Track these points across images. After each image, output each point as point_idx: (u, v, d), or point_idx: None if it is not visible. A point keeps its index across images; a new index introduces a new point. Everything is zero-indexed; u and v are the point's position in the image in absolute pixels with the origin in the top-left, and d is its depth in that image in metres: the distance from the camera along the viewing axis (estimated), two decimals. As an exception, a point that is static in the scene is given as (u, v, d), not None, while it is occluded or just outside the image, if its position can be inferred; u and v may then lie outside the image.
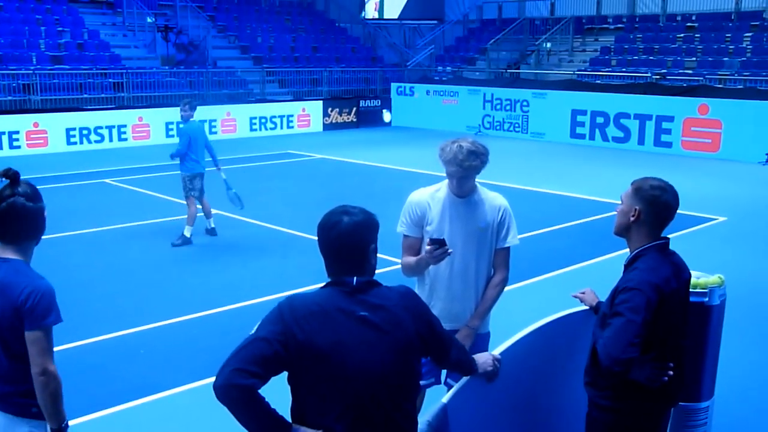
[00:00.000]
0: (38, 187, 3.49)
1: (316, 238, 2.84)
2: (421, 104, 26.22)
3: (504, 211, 4.42)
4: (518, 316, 7.43)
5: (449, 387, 4.46)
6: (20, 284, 3.18)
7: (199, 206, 10.77)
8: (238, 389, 2.55)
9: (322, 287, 2.80)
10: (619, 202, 3.56)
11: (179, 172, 10.75)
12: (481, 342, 4.42)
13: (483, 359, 3.38)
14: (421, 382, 4.53)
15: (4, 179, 3.29)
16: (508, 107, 23.89)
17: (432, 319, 2.94)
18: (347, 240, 2.76)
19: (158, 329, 7.37)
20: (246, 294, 8.28)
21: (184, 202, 10.72)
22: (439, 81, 27.19)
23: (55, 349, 3.65)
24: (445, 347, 3.02)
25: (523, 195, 14.38)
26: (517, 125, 23.68)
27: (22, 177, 3.34)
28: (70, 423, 3.39)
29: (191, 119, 10.68)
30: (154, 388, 6.02)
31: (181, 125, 11.01)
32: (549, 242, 10.82)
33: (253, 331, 2.68)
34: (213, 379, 2.66)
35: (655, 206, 3.39)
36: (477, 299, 4.39)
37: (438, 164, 4.55)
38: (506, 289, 8.72)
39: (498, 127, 24.11)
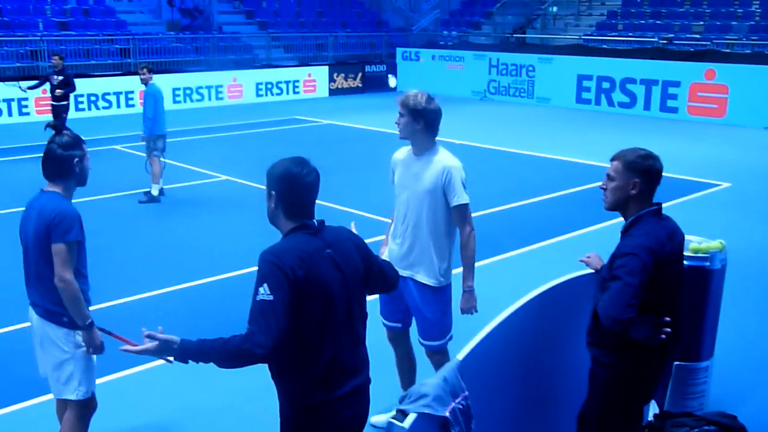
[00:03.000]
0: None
1: (272, 183, 3.10)
2: (426, 69, 26.18)
3: (447, 172, 4.55)
4: (523, 280, 7.61)
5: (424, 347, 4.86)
6: (53, 208, 3.88)
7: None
8: (255, 358, 2.90)
9: (291, 234, 3.10)
10: (605, 179, 3.68)
11: (140, 132, 11.27)
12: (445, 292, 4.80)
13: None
14: (387, 324, 4.97)
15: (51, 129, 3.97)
16: (513, 72, 23.86)
17: (368, 249, 3.32)
18: (315, 186, 3.14)
19: (176, 292, 7.57)
20: (248, 261, 8.45)
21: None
22: (445, 46, 27.13)
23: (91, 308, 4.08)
24: (374, 263, 3.35)
25: (528, 160, 14.49)
26: (522, 90, 23.68)
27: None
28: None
29: (150, 82, 11.22)
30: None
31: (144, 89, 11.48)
32: (553, 208, 10.96)
33: (266, 293, 2.90)
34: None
35: (651, 175, 3.56)
36: (436, 253, 4.66)
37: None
38: (512, 253, 8.91)
39: (504, 92, 24.11)
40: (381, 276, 3.39)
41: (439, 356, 4.79)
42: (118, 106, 20.71)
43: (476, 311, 4.79)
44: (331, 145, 16.16)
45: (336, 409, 3.07)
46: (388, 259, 4.48)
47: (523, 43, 25.98)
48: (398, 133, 4.62)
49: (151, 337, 3.05)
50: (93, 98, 20.27)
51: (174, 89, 21.30)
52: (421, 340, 4.83)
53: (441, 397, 3.22)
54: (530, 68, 23.38)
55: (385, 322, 4.97)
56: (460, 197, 4.57)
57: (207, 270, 8.16)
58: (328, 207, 10.73)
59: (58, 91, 14.39)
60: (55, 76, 14.67)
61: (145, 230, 9.77)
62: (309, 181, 3.11)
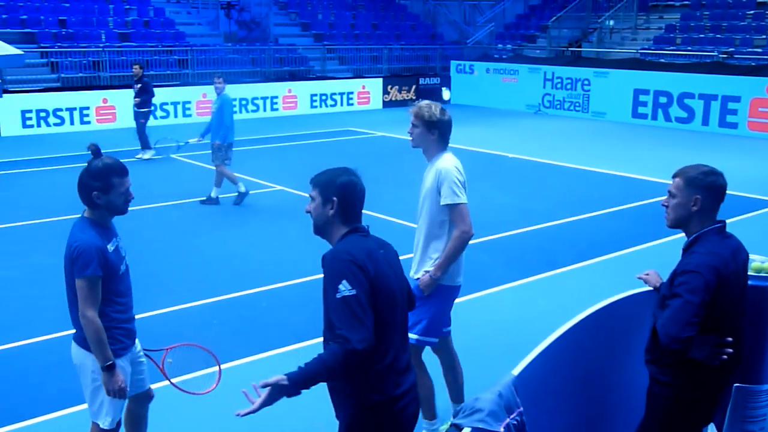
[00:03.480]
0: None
1: (329, 191, 3.24)
2: (480, 82, 26.12)
3: (438, 173, 4.72)
4: (577, 295, 7.53)
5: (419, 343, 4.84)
6: (75, 239, 3.78)
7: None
8: (360, 355, 2.96)
9: (348, 236, 3.24)
10: (667, 196, 3.62)
11: (209, 141, 11.57)
12: (452, 293, 4.91)
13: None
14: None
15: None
16: (568, 86, 23.66)
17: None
18: (363, 193, 3.31)
19: (229, 301, 7.66)
20: (311, 269, 8.50)
21: (243, 176, 11.28)
22: (499, 59, 27.03)
23: (137, 316, 4.11)
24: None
25: (582, 175, 14.32)
26: (577, 104, 23.45)
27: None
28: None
29: (223, 92, 11.73)
30: (229, 356, 6.27)
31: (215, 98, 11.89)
32: (609, 223, 10.81)
33: (348, 288, 3.01)
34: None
35: (714, 191, 3.48)
36: (421, 255, 4.84)
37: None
38: (567, 269, 8.81)
39: (558, 107, 23.91)
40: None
41: (414, 352, 4.79)
42: (176, 115, 21.10)
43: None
44: (385, 157, 16.21)
45: (399, 407, 3.18)
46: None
47: (579, 57, 25.74)
48: (411, 142, 4.86)
49: (263, 386, 3.03)
50: (151, 108, 20.65)
51: (230, 100, 21.58)
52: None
53: (496, 412, 3.19)
54: (585, 82, 23.15)
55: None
56: (448, 197, 4.69)
57: (259, 279, 8.24)
58: (379, 218, 10.76)
59: (137, 99, 15.44)
60: (136, 85, 15.58)
61: (199, 239, 9.91)
62: (362, 188, 3.32)
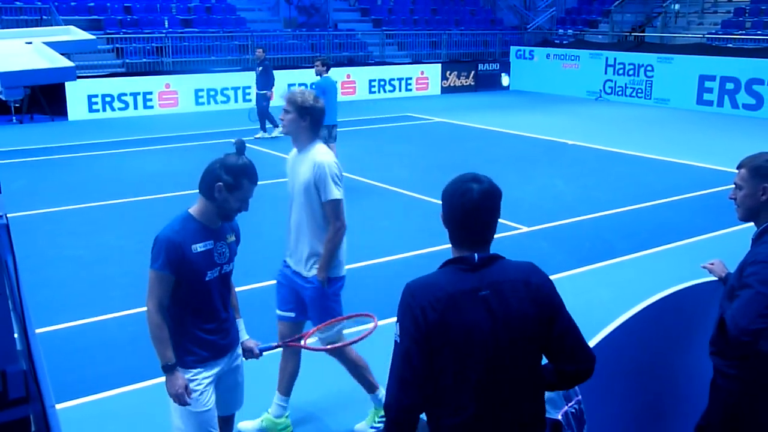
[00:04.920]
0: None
1: (441, 204, 2.74)
2: (540, 68, 25.79)
3: (317, 167, 4.59)
4: (638, 285, 7.41)
5: None
6: (162, 229, 3.58)
7: None
8: (406, 413, 2.60)
9: (443, 266, 2.69)
10: (733, 189, 3.51)
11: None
12: (338, 284, 4.80)
13: None
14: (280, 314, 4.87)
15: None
16: (631, 72, 23.18)
17: (556, 301, 2.70)
18: (476, 209, 2.63)
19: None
20: (367, 254, 8.55)
21: None
22: (560, 44, 26.64)
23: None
24: (559, 325, 2.70)
25: (644, 163, 14.04)
26: (640, 91, 22.97)
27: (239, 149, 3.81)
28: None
29: (324, 75, 12.08)
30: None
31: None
32: (672, 212, 10.59)
33: (396, 333, 2.62)
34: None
35: None
36: (309, 251, 4.69)
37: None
38: (627, 257, 8.68)
39: (620, 93, 23.46)
40: (564, 347, 2.72)
41: (342, 352, 4.77)
42: (236, 100, 21.36)
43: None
44: (443, 143, 16.15)
45: None
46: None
47: (642, 42, 25.17)
48: (282, 128, 4.75)
49: None
50: (212, 93, 20.99)
51: (289, 85, 21.76)
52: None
53: (554, 399, 3.16)
54: (648, 68, 22.65)
55: (279, 312, 4.94)
56: (330, 193, 4.60)
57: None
58: (437, 204, 10.74)
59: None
60: (258, 68, 16.38)
61: (265, 223, 10.00)
62: (471, 206, 2.62)
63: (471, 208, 2.62)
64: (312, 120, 4.63)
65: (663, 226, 9.81)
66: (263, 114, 16.52)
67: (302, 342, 4.24)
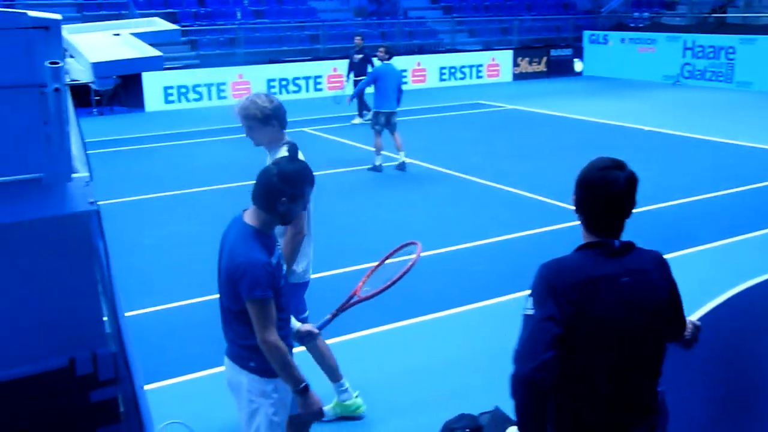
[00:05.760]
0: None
1: (577, 189, 2.70)
2: (614, 53, 25.22)
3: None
4: (720, 274, 7.19)
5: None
6: (240, 254, 3.34)
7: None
8: (536, 383, 2.55)
9: (581, 249, 2.71)
10: None
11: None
12: (302, 288, 4.70)
13: (687, 325, 3.16)
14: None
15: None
16: (711, 55, 22.46)
17: (677, 290, 2.87)
18: (624, 197, 2.65)
19: (358, 272, 7.78)
20: (439, 241, 8.53)
21: (371, 149, 12.08)
22: (635, 28, 26.00)
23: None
24: (680, 321, 2.95)
25: (725, 149, 13.61)
26: (720, 74, 22.23)
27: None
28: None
29: (384, 62, 12.29)
30: (369, 323, 6.42)
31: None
32: (755, 200, 10.23)
33: (529, 307, 2.62)
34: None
35: None
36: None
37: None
38: (709, 246, 8.44)
39: (699, 77, 22.77)
40: (680, 323, 2.96)
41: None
42: (307, 90, 21.55)
43: None
44: (515, 130, 15.97)
45: None
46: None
47: (723, 24, 24.36)
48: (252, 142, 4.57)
49: None
50: (284, 83, 21.22)
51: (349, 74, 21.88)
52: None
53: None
54: (730, 50, 21.89)
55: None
56: None
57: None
58: (509, 192, 10.64)
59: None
60: (356, 56, 16.78)
61: (331, 209, 10.09)
62: (614, 190, 2.63)
63: (617, 196, 2.64)
64: (278, 121, 4.51)
65: (746, 214, 9.50)
66: (360, 100, 16.86)
67: (355, 299, 4.05)
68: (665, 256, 2.79)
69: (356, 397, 5.03)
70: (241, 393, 3.57)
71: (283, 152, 4.43)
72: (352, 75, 17.13)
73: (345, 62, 19.11)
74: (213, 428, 4.81)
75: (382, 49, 12.54)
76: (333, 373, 4.94)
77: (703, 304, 3.56)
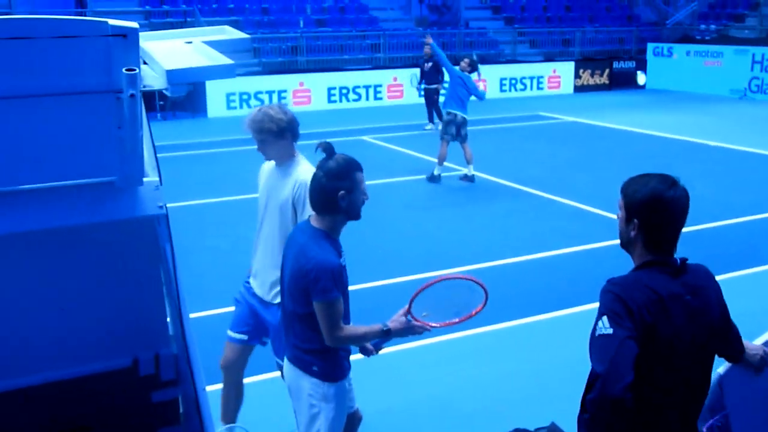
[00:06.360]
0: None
1: (632, 206, 2.66)
2: (679, 66, 24.74)
3: (299, 186, 4.20)
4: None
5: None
6: (311, 258, 3.33)
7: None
8: (625, 403, 2.48)
9: (643, 268, 2.68)
10: None
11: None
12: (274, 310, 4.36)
13: (753, 351, 3.12)
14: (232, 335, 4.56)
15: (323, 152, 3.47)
16: (780, 69, 21.90)
17: (725, 303, 2.85)
18: (682, 215, 2.66)
19: (415, 282, 7.78)
20: (498, 253, 8.47)
21: (435, 160, 11.89)
22: (702, 40, 25.45)
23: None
24: (729, 333, 2.91)
25: (795, 166, 13.23)
26: (790, 89, 21.65)
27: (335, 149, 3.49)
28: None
29: (465, 72, 12.11)
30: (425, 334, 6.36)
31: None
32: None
33: (605, 327, 2.54)
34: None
35: None
36: (276, 277, 4.13)
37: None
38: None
39: (767, 91, 22.17)
40: (736, 340, 2.96)
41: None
42: (367, 98, 21.66)
43: None
44: (575, 142, 15.78)
45: None
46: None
47: (794, 37, 23.70)
48: (264, 157, 4.38)
49: None
50: (344, 91, 21.37)
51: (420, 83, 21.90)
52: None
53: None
54: (800, 65, 21.30)
55: (230, 333, 4.62)
56: (307, 214, 4.02)
57: (447, 261, 8.28)
58: (568, 204, 10.51)
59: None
60: (426, 64, 16.95)
61: (390, 217, 10.11)
62: (680, 208, 2.63)
63: (682, 215, 2.66)
64: (292, 134, 4.32)
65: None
66: (432, 106, 17.02)
67: (421, 322, 3.58)
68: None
69: None
70: (301, 397, 3.56)
71: (304, 163, 4.34)
72: (423, 84, 17.28)
73: (405, 71, 19.22)
74: (268, 432, 4.85)
75: (466, 61, 12.33)
76: (229, 415, 4.72)
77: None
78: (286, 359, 3.66)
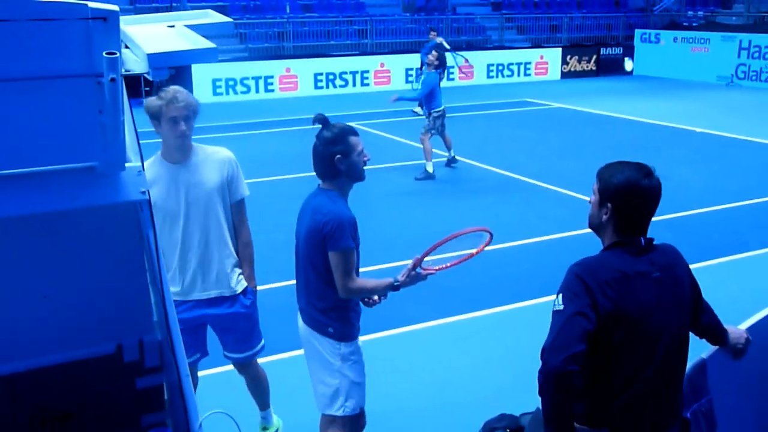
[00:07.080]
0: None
1: (607, 192, 2.75)
2: (666, 52, 24.80)
3: (230, 164, 4.14)
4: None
5: (231, 360, 4.36)
6: (327, 212, 3.54)
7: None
8: (568, 375, 2.54)
9: (608, 249, 2.77)
10: None
11: (423, 110, 11.95)
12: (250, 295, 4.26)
13: (737, 334, 3.20)
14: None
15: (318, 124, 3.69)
16: (767, 55, 21.95)
17: (695, 279, 2.94)
18: (653, 202, 2.76)
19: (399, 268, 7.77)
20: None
21: (417, 145, 11.80)
22: (689, 27, 25.52)
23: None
24: (700, 308, 3.00)
25: (780, 152, 13.30)
26: (776, 76, 21.75)
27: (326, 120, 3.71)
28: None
29: (432, 65, 12.05)
30: (409, 320, 6.41)
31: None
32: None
33: (558, 304, 2.65)
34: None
35: None
36: (230, 265, 4.14)
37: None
38: (760, 252, 8.26)
39: (754, 78, 22.28)
40: (711, 322, 3.06)
41: (255, 367, 4.47)
42: (354, 84, 21.60)
43: None
44: (562, 129, 15.81)
45: None
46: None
47: (780, 24, 23.79)
48: (178, 140, 3.94)
49: None
50: (331, 77, 21.30)
51: (407, 69, 21.84)
52: (238, 354, 4.36)
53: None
54: (786, 51, 21.40)
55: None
56: (244, 188, 4.19)
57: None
58: (555, 191, 10.54)
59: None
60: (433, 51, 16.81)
61: (375, 204, 10.10)
62: (653, 197, 2.75)
63: (650, 201, 2.75)
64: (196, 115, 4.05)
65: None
66: None
67: (427, 269, 3.84)
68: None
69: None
70: (316, 357, 3.71)
71: (208, 147, 4.20)
72: (424, 69, 17.25)
73: (393, 57, 19.14)
74: (257, 419, 4.83)
75: (434, 54, 12.23)
76: (262, 403, 4.69)
77: (753, 312, 3.48)
78: (301, 323, 3.77)
